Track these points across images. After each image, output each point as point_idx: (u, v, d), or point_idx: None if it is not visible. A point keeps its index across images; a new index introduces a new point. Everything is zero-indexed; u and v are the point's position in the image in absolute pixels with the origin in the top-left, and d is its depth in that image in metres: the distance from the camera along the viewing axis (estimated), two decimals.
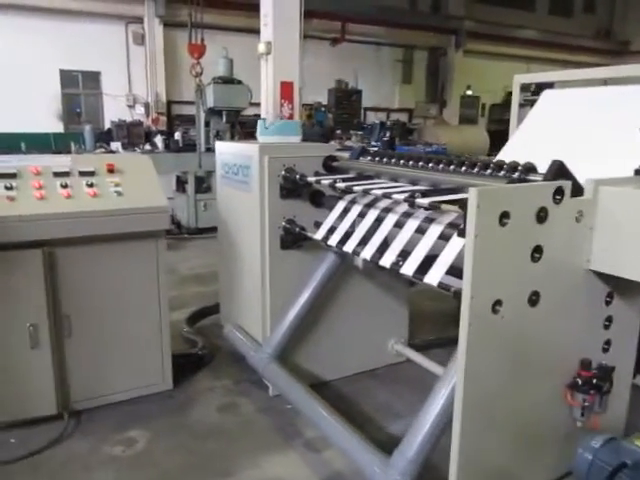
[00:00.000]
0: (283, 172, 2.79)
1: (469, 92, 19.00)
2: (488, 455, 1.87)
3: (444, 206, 1.80)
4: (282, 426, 2.76)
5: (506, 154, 3.05)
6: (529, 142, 3.11)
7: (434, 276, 1.86)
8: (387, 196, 2.10)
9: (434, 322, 3.97)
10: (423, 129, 15.19)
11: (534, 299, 1.75)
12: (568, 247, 1.82)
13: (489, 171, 2.12)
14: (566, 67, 20.26)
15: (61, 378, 2.73)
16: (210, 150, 7.49)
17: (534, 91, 3.48)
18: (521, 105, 3.57)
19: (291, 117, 8.68)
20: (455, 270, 1.83)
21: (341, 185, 2.38)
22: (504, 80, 19.90)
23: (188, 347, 3.52)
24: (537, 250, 1.72)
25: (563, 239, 1.79)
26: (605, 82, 3.19)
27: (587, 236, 1.84)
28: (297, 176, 2.72)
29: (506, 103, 19.73)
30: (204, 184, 7.42)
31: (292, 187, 2.80)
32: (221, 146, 3.31)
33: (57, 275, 2.66)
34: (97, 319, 2.79)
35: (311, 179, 2.65)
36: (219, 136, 7.83)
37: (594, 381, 1.91)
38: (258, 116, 8.86)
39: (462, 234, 1.67)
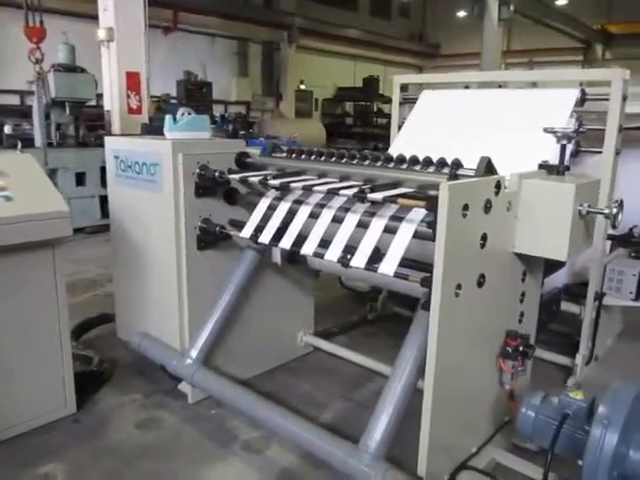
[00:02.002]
0: (198, 170, 2.68)
1: (303, 87, 19.65)
2: (449, 430, 2.05)
3: (401, 200, 1.92)
4: (213, 433, 2.67)
5: (396, 149, 3.29)
6: (415, 138, 3.38)
7: (388, 267, 1.97)
8: (334, 192, 2.15)
9: (328, 311, 4.12)
10: (263, 122, 15.37)
11: (481, 281, 1.96)
12: (502, 233, 2.06)
13: (418, 167, 2.29)
14: (388, 66, 22.03)
15: None
16: (51, 145, 6.77)
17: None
18: (400, 104, 3.84)
19: (139, 109, 8.22)
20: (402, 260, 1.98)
21: (274, 182, 2.37)
22: (334, 76, 21.07)
23: (82, 364, 3.20)
24: (483, 237, 1.92)
25: (499, 227, 2.02)
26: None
27: (513, 223, 2.10)
28: (215, 174, 2.64)
29: (336, 98, 20.95)
30: None
31: (208, 185, 2.71)
32: (114, 142, 3.05)
33: None
34: None
35: (234, 176, 2.59)
36: (60, 130, 7.11)
37: (520, 348, 2.19)
38: (101, 107, 8.22)
39: (432, 226, 1.79)
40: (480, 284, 1.95)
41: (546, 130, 2.26)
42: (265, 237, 2.45)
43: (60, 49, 6.83)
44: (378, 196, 1.98)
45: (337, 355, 3.42)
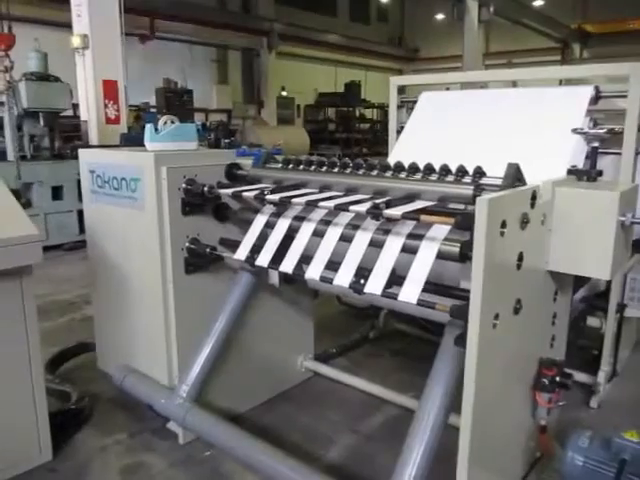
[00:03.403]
0: (184, 184, 2.39)
1: (284, 93, 19.43)
2: (485, 469, 1.79)
3: (425, 218, 1.66)
4: (209, 479, 2.38)
5: (398, 155, 3.04)
6: (418, 143, 3.14)
7: (410, 293, 1.71)
8: (342, 208, 1.88)
9: (326, 329, 3.84)
10: (245, 130, 15.07)
11: (517, 307, 1.70)
12: (537, 250, 1.81)
13: (434, 176, 2.03)
14: (368, 71, 21.95)
15: None
16: (25, 158, 6.41)
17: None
18: (399, 107, 3.60)
19: (117, 119, 7.89)
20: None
21: (273, 197, 2.09)
22: (315, 82, 20.88)
23: (59, 401, 2.88)
24: (520, 257, 1.67)
25: (535, 243, 1.77)
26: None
27: (547, 238, 1.86)
28: (204, 188, 2.35)
29: (318, 104, 20.77)
30: (22, 199, 6.31)
31: (196, 201, 2.42)
32: (90, 154, 2.74)
33: None
34: None
35: (225, 191, 2.31)
36: (34, 142, 6.75)
37: (557, 379, 1.94)
38: (79, 117, 7.87)
39: (468, 248, 1.53)
40: (516, 311, 1.70)
41: (575, 131, 2.02)
42: (263, 259, 2.17)
43: (31, 57, 6.48)
44: (396, 212, 1.72)
45: (340, 381, 3.15)
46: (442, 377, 1.79)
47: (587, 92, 2.72)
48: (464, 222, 1.52)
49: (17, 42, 6.16)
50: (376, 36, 22.51)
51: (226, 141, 9.33)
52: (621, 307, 2.98)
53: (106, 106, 7.60)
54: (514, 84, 3.65)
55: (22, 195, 6.36)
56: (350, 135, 19.45)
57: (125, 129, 7.71)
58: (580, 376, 3.11)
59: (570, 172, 2.06)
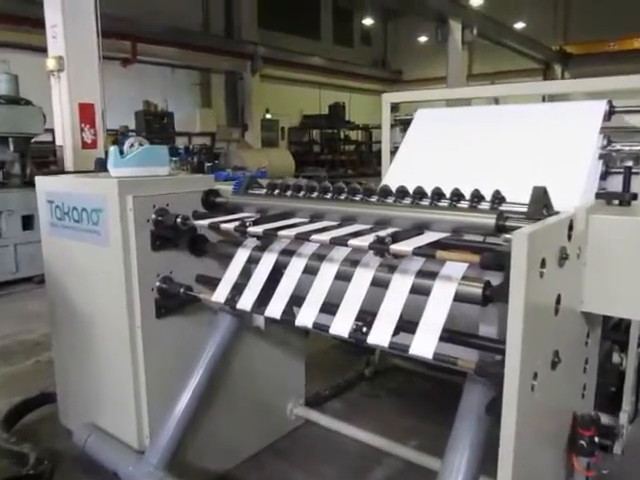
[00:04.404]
0: (154, 215, 2.08)
1: (268, 115, 19.29)
2: None
3: (442, 254, 1.36)
4: None
5: (394, 176, 2.76)
6: (416, 163, 2.87)
7: (425, 345, 1.41)
8: (339, 243, 1.58)
9: (317, 367, 3.50)
10: (230, 153, 14.84)
11: (555, 361, 1.40)
12: (574, 290, 1.52)
13: (444, 202, 1.75)
14: (353, 93, 21.99)
15: None
16: None
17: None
18: (392, 126, 3.34)
19: (94, 143, 7.58)
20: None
21: (256, 230, 1.79)
22: (300, 104, 20.79)
23: (15, 464, 2.51)
24: (558, 300, 1.37)
25: (572, 282, 1.48)
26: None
27: (582, 274, 1.57)
28: (177, 219, 2.04)
29: (303, 126, 20.67)
30: None
31: (168, 234, 2.11)
32: (47, 183, 2.42)
33: None
34: None
35: (201, 222, 2.00)
36: (4, 169, 6.40)
37: (596, 439, 1.64)
38: (52, 143, 7.55)
39: (499, 293, 1.24)
40: (554, 365, 1.40)
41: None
42: (246, 302, 1.86)
43: (0, 79, 6.15)
44: (406, 248, 1.42)
45: (335, 430, 2.81)
46: (465, 446, 1.47)
47: (600, 107, 2.47)
48: (495, 261, 1.23)
49: None
50: (360, 59, 22.59)
51: (208, 165, 9.04)
52: None
53: (82, 130, 7.30)
54: (496, 101, 3.44)
55: None
56: (335, 157, 19.32)
57: (102, 154, 7.39)
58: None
59: (599, 196, 1.78)
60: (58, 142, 7.30)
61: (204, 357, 2.17)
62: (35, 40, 8.82)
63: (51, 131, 7.80)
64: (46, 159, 7.97)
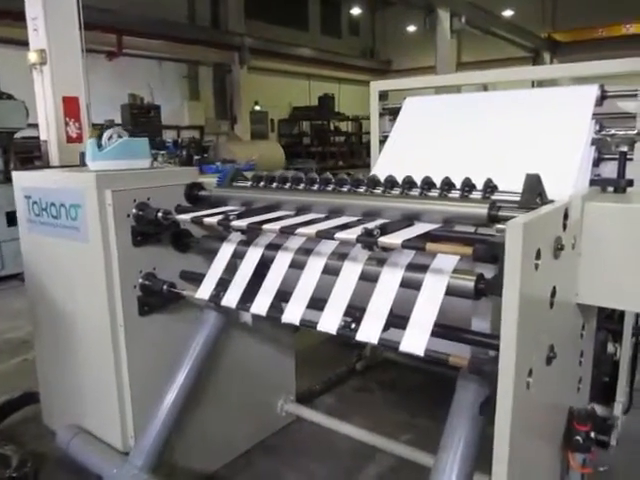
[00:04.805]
0: (135, 210, 2.00)
1: (257, 107, 19.10)
2: None
3: (431, 247, 1.30)
4: None
5: (383, 166, 2.70)
6: (405, 153, 2.80)
7: (416, 342, 1.35)
8: (326, 236, 1.52)
9: (308, 362, 3.45)
10: (219, 146, 14.69)
11: (551, 356, 1.35)
12: (569, 282, 1.47)
13: (435, 192, 1.69)
14: (342, 83, 21.86)
15: None
16: None
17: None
18: (381, 115, 3.27)
19: (79, 137, 7.45)
20: None
21: (239, 223, 1.72)
22: (289, 96, 20.62)
23: None
24: (553, 293, 1.32)
25: (567, 273, 1.43)
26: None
27: (577, 264, 1.52)
28: (159, 214, 1.97)
29: (292, 118, 20.52)
30: None
31: (150, 230, 2.03)
32: (24, 178, 2.34)
33: None
34: None
35: (184, 217, 1.93)
36: None
37: (592, 434, 1.59)
38: (37, 138, 7.40)
39: (493, 287, 1.18)
40: (549, 361, 1.35)
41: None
42: (231, 298, 1.79)
43: None
44: (395, 241, 1.36)
45: (327, 427, 2.75)
46: (458, 443, 1.42)
47: (592, 92, 2.42)
48: (488, 253, 1.17)
49: None
50: (348, 49, 22.40)
51: (197, 158, 8.91)
52: (637, 330, 2.67)
53: (67, 124, 7.15)
54: (485, 89, 3.39)
55: None
56: (325, 148, 19.20)
57: None
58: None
59: (593, 182, 1.73)
60: (42, 137, 7.15)
61: (190, 355, 2.11)
62: (17, 34, 8.62)
63: (36, 126, 7.67)
64: (31, 154, 7.81)
